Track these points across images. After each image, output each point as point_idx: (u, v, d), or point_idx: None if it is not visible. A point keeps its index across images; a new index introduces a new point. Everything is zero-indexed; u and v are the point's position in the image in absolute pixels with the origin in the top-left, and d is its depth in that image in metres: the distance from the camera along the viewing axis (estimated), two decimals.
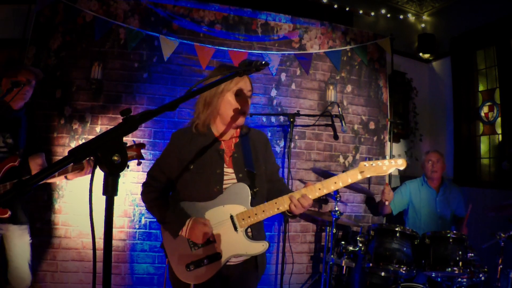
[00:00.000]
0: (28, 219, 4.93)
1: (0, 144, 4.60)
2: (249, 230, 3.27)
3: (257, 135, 3.56)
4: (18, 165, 4.55)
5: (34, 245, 5.03)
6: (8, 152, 4.61)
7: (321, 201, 7.06)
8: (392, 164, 3.26)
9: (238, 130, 3.46)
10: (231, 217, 3.19)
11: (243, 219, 3.18)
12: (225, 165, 3.30)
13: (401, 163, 3.28)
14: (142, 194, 3.38)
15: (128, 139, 6.18)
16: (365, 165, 3.25)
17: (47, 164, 4.71)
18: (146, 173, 3.38)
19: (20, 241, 4.82)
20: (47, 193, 5.96)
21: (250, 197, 3.22)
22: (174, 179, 3.32)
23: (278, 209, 3.20)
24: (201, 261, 3.14)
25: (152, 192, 3.36)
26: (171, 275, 3.31)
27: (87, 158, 4.18)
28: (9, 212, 4.50)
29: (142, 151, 4.47)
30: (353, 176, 3.23)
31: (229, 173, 3.29)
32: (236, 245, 3.19)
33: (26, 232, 4.87)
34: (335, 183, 3.22)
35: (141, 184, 3.44)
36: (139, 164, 4.45)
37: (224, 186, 3.24)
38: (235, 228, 3.18)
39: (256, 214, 3.18)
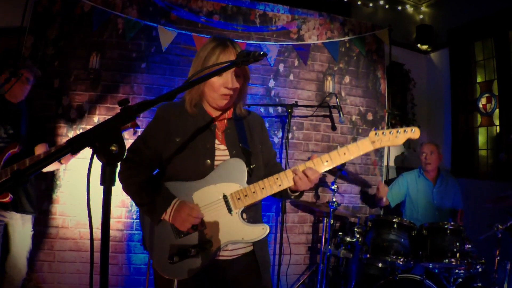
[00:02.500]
0: (33, 210, 4.99)
1: (2, 135, 4.66)
2: (244, 213, 2.82)
3: (252, 117, 3.20)
4: (20, 152, 4.61)
5: (33, 237, 5.03)
6: (9, 142, 4.67)
7: (318, 192, 7.07)
8: (406, 133, 2.98)
9: (231, 110, 3.07)
10: (224, 196, 2.76)
11: (239, 199, 2.75)
12: (217, 141, 2.92)
13: (414, 132, 3.01)
14: (120, 172, 2.86)
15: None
16: (375, 134, 2.95)
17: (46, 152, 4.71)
18: (120, 162, 2.97)
19: (22, 231, 4.88)
20: (45, 183, 5.94)
21: (246, 174, 2.82)
22: (159, 153, 2.90)
23: (280, 185, 2.80)
24: (188, 251, 2.64)
25: (132, 169, 2.86)
26: (155, 275, 2.88)
27: None
28: (10, 196, 4.55)
29: (137, 118, 4.37)
30: (363, 146, 2.91)
31: (221, 149, 2.91)
32: (230, 230, 2.75)
33: (29, 222, 4.93)
34: (344, 154, 2.89)
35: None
36: (135, 133, 4.43)
37: (216, 163, 2.84)
38: (229, 210, 2.75)
39: (254, 192, 2.76)
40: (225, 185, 2.79)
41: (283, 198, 3.30)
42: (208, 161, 2.83)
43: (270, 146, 3.33)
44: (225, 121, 3.06)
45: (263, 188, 2.80)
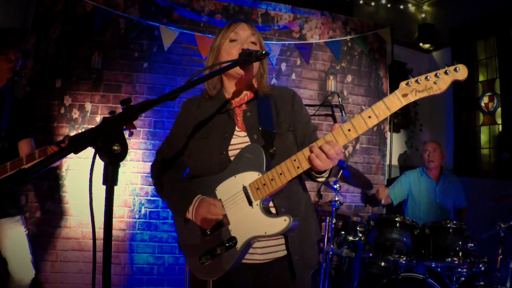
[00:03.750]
0: (19, 209, 4.73)
1: None
2: (273, 203, 2.63)
3: (280, 92, 2.95)
4: (5, 149, 4.37)
5: (35, 235, 5.03)
6: None
7: (321, 191, 7.06)
8: (448, 74, 2.29)
9: (252, 91, 2.91)
10: (244, 188, 2.54)
11: (257, 189, 2.49)
12: (236, 128, 2.75)
13: (460, 71, 2.29)
14: (151, 175, 2.93)
15: (137, 130, 6.21)
16: (408, 84, 2.33)
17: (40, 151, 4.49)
18: (146, 163, 3.05)
19: (13, 233, 4.62)
20: (47, 183, 5.94)
21: (265, 160, 2.54)
22: (182, 152, 2.82)
23: (298, 167, 2.43)
24: (214, 249, 2.48)
25: (159, 170, 2.85)
26: (191, 275, 2.79)
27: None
28: None
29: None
30: (392, 102, 2.36)
31: (241, 136, 2.73)
32: (253, 225, 2.50)
33: (19, 223, 4.66)
34: (370, 117, 2.33)
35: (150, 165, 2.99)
36: (131, 134, 4.21)
37: (234, 152, 2.66)
38: (250, 202, 2.52)
39: (272, 179, 2.46)
40: (245, 175, 2.57)
41: (311, 180, 2.70)
42: (224, 151, 2.69)
43: (307, 121, 3.01)
44: (242, 104, 2.87)
45: (281, 174, 2.46)
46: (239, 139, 2.73)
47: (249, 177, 2.55)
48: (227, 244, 2.48)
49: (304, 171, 2.52)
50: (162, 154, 2.93)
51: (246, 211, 2.54)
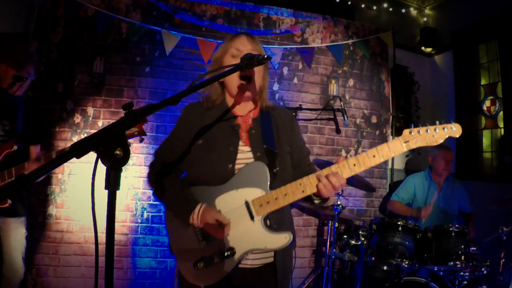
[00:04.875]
0: (25, 211, 4.89)
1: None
2: (268, 218, 2.68)
3: (280, 113, 3.06)
4: (15, 152, 4.53)
5: (37, 240, 5.06)
6: (6, 140, 4.57)
7: None
8: (445, 131, 2.63)
9: (258, 104, 2.99)
10: (246, 203, 2.64)
11: (261, 205, 2.61)
12: (240, 142, 2.82)
13: (455, 129, 2.67)
14: (148, 176, 2.94)
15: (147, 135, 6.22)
16: (410, 132, 2.58)
17: (44, 155, 4.62)
18: (148, 167, 3.05)
19: (16, 234, 4.80)
20: (49, 188, 5.95)
21: (269, 179, 2.66)
22: (183, 157, 2.85)
23: (303, 191, 2.59)
24: (211, 258, 2.58)
25: (157, 174, 2.86)
26: (180, 280, 2.85)
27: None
28: (9, 201, 4.49)
29: (143, 126, 4.14)
30: (395, 148, 2.57)
31: (245, 151, 2.80)
32: (253, 238, 2.63)
33: (22, 225, 4.84)
34: (374, 156, 2.56)
35: (148, 166, 2.99)
36: (141, 141, 4.34)
37: (237, 166, 2.73)
38: (252, 217, 2.62)
39: (276, 198, 2.59)
40: (247, 191, 2.67)
41: (309, 203, 3.01)
42: (230, 165, 2.75)
43: (302, 145, 3.13)
44: (250, 120, 2.93)
45: (285, 195, 2.61)
46: (244, 154, 2.80)
47: (252, 193, 2.65)
48: (225, 254, 2.59)
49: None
50: (162, 156, 2.94)
51: (247, 224, 2.64)
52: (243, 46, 2.82)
